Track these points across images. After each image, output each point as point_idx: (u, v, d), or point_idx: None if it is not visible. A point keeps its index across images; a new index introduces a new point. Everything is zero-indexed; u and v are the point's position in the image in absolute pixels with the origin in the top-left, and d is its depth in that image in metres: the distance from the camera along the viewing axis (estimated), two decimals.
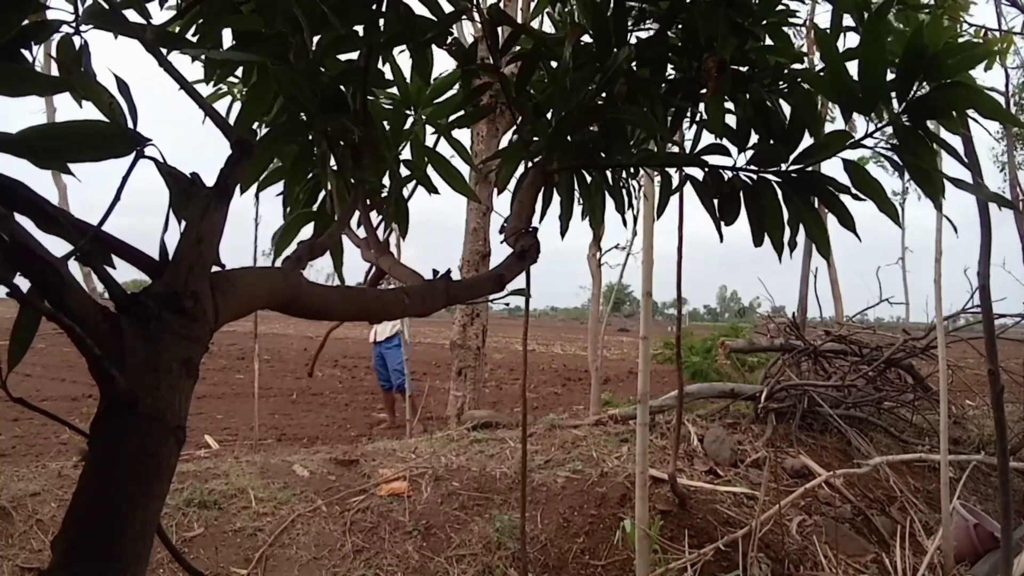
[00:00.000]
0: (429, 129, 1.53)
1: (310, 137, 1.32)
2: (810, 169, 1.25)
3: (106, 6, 0.96)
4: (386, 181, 1.52)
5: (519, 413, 5.92)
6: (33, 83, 0.79)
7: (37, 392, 9.21)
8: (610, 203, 1.58)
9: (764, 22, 1.26)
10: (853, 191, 1.20)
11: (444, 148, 1.56)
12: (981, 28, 3.08)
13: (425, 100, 1.46)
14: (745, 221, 1.33)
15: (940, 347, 3.76)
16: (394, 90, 1.44)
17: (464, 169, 1.60)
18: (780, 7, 1.27)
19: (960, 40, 1.08)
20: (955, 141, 1.19)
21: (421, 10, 1.20)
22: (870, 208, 1.21)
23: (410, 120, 1.49)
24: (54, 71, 1.04)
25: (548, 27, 1.71)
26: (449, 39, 1.33)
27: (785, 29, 1.32)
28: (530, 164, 1.46)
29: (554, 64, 1.37)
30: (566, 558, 3.33)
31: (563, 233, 1.58)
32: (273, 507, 3.32)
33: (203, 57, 1.18)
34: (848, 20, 1.22)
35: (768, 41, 1.30)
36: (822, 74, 1.18)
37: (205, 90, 1.39)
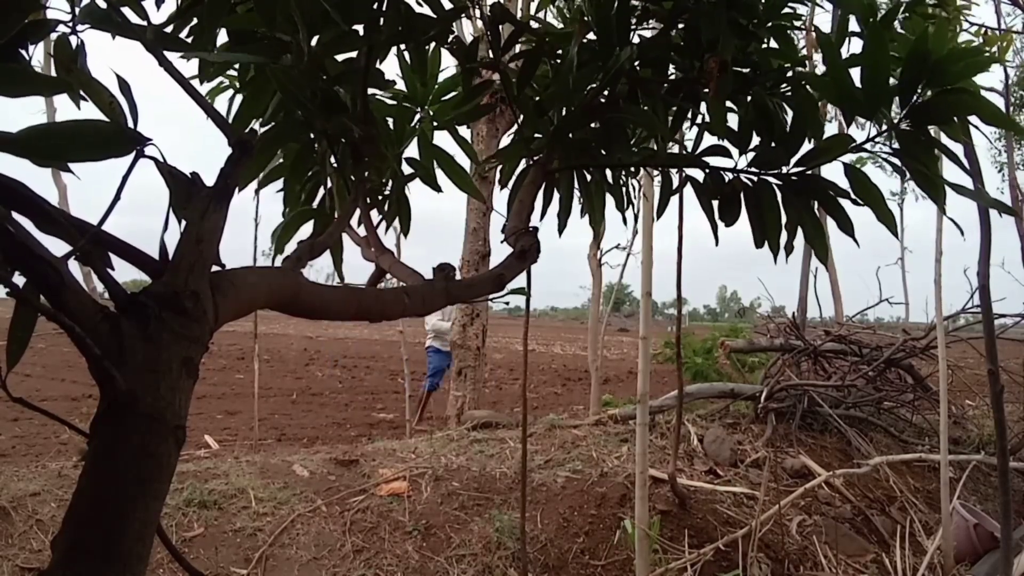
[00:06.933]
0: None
1: (311, 135, 1.32)
2: (810, 173, 1.25)
3: (103, 5, 0.96)
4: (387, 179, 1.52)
5: (519, 413, 5.92)
6: (33, 84, 0.78)
7: (37, 392, 9.22)
8: (610, 202, 1.59)
9: (769, 24, 1.26)
10: (852, 196, 1.20)
11: (446, 146, 1.56)
12: (981, 27, 3.08)
13: (434, 97, 1.46)
14: (745, 221, 1.33)
15: (940, 347, 3.76)
16: (401, 86, 1.44)
17: (465, 167, 1.60)
18: (786, 10, 1.26)
19: (962, 43, 1.08)
20: (955, 145, 1.18)
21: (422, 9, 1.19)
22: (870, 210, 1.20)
23: (417, 117, 1.49)
24: (53, 70, 1.03)
25: (551, 18, 1.70)
26: (450, 37, 1.33)
27: (789, 32, 1.32)
28: (530, 162, 1.46)
29: (556, 62, 1.37)
30: (566, 558, 3.33)
31: (560, 230, 1.58)
32: (273, 507, 3.32)
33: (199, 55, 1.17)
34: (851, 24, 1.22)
35: (772, 44, 1.30)
36: (825, 77, 1.17)
37: (206, 87, 1.39)
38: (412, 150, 1.52)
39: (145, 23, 0.99)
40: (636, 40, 1.31)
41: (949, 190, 1.15)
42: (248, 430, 7.06)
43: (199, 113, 0.87)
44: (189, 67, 1.19)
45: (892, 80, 1.07)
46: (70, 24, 0.98)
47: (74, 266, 0.61)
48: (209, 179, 0.73)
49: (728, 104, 1.30)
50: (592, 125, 1.41)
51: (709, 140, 1.35)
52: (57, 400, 8.94)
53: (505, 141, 5.82)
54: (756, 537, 3.33)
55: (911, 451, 5.13)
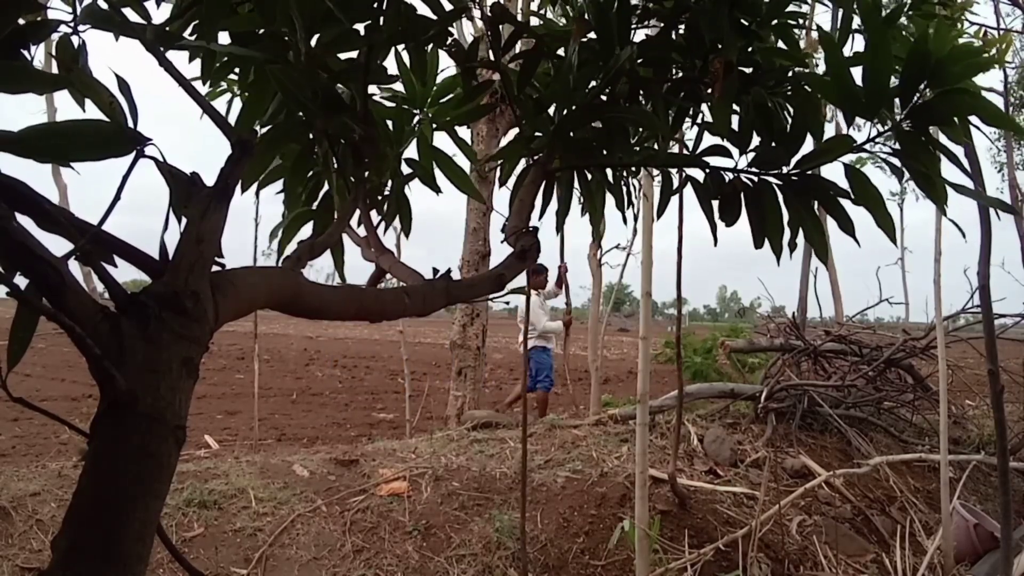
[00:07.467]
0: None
1: (311, 136, 1.32)
2: (811, 173, 1.25)
3: (104, 6, 0.96)
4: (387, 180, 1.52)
5: (519, 413, 5.91)
6: (32, 80, 0.78)
7: (37, 392, 9.22)
8: (610, 201, 1.59)
9: (774, 22, 1.26)
10: (853, 197, 1.20)
11: (445, 147, 1.56)
12: (981, 27, 3.08)
13: (433, 98, 1.46)
14: (746, 222, 1.33)
15: (940, 347, 3.76)
16: (399, 87, 1.44)
17: (464, 168, 1.60)
18: (790, 8, 1.26)
19: (962, 44, 1.08)
20: (955, 146, 1.18)
21: (422, 9, 1.20)
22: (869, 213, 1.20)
23: (416, 118, 1.49)
24: (54, 70, 1.03)
25: (552, 15, 1.70)
26: (449, 39, 1.33)
27: (793, 31, 1.32)
28: (531, 161, 1.46)
29: (557, 60, 1.37)
30: (566, 558, 3.33)
31: (558, 228, 1.58)
32: (273, 507, 3.32)
33: (201, 54, 1.17)
34: (841, 22, 1.22)
35: (775, 43, 1.30)
36: (826, 77, 1.17)
37: (204, 89, 1.39)
38: (412, 150, 1.52)
39: (145, 23, 0.99)
40: (637, 39, 1.31)
41: (949, 190, 1.15)
42: (248, 430, 7.06)
43: (199, 113, 0.87)
44: (190, 67, 1.19)
45: (893, 80, 1.07)
46: (71, 24, 0.98)
47: (74, 266, 0.61)
48: (209, 179, 0.73)
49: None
50: (593, 124, 1.41)
51: (709, 140, 1.35)
52: (57, 400, 8.95)
53: (506, 141, 5.83)
54: (756, 537, 3.33)
55: (911, 451, 5.13)
